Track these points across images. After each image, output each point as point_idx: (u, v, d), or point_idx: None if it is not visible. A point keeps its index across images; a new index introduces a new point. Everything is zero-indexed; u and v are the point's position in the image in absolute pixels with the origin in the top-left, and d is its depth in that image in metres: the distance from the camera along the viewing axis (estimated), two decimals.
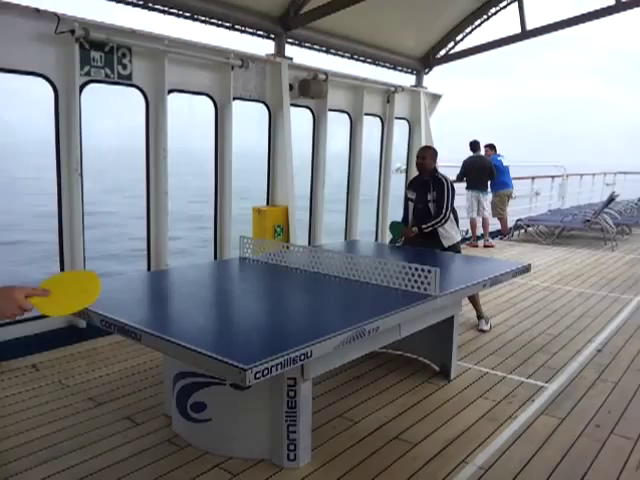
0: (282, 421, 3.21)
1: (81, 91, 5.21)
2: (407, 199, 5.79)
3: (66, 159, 5.18)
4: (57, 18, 4.86)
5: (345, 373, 4.54)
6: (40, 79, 5.02)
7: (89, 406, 3.93)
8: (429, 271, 3.69)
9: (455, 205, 5.58)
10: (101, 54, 5.30)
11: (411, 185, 5.81)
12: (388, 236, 9.30)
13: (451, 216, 5.47)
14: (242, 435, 3.33)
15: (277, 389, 3.21)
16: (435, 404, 4.09)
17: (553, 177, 15.38)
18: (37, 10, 4.75)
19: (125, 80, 5.55)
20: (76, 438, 3.49)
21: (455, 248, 5.56)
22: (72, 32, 4.93)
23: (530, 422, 3.82)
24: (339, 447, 3.47)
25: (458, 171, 10.68)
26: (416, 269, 3.78)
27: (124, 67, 5.51)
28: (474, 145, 10.78)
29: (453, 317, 4.46)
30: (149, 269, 5.97)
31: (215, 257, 6.66)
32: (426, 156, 5.53)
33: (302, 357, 2.68)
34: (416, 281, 3.76)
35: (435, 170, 5.58)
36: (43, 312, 1.78)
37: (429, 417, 3.89)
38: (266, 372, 2.49)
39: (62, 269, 5.20)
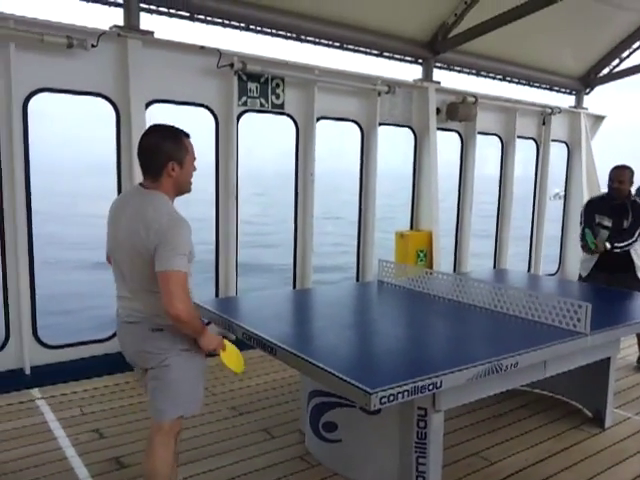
0: (411, 452, 3.11)
1: (238, 120, 5.61)
2: (595, 224, 5.11)
3: (224, 183, 5.59)
4: (219, 53, 5.30)
5: (485, 410, 4.30)
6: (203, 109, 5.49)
7: (231, 415, 4.15)
8: (579, 306, 3.39)
9: None
10: (257, 85, 5.68)
11: (600, 209, 5.14)
12: (544, 270, 8.77)
13: None
14: (371, 460, 3.29)
15: (407, 418, 3.12)
16: (585, 453, 3.71)
17: None
18: (202, 47, 5.23)
19: (278, 109, 5.88)
20: (217, 444, 3.70)
21: None
22: (231, 66, 5.34)
23: None
24: None
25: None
26: (565, 303, 3.48)
27: (277, 97, 5.85)
28: None
29: (609, 359, 4.03)
30: (294, 287, 6.20)
31: (357, 279, 6.73)
32: (624, 179, 4.97)
33: (431, 387, 2.59)
34: (564, 316, 3.47)
35: (629, 193, 5.06)
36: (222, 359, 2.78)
37: (577, 466, 3.54)
38: (392, 398, 2.43)
39: (217, 284, 5.59)
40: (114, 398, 4.36)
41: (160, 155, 2.57)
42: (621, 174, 4.98)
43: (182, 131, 2.67)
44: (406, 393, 2.50)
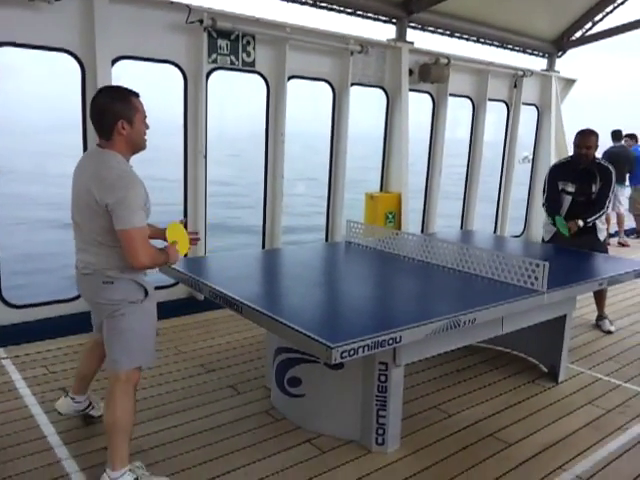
0: (372, 405, 3.24)
1: (208, 77, 5.53)
2: (559, 190, 5.14)
3: (193, 142, 5.54)
4: (188, 9, 5.18)
5: (445, 365, 4.46)
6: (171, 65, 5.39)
7: (199, 372, 4.23)
8: (537, 265, 3.51)
9: None
10: (227, 42, 5.58)
11: (564, 175, 5.14)
12: (510, 231, 8.96)
13: None
14: (333, 414, 3.42)
15: (369, 372, 3.24)
16: (538, 406, 3.90)
17: None
18: (171, 2, 5.11)
19: (249, 67, 5.80)
20: (184, 400, 3.79)
21: (606, 241, 5.29)
22: (201, 22, 5.23)
23: None
24: (430, 437, 3.44)
25: None
26: (523, 262, 3.61)
27: (248, 54, 5.76)
28: (617, 134, 9.95)
29: (565, 316, 4.21)
30: (263, 247, 6.25)
31: (326, 239, 6.80)
32: (591, 145, 4.95)
33: (391, 341, 2.69)
34: (522, 275, 3.60)
35: (595, 157, 5.05)
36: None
37: (529, 418, 3.72)
38: (352, 352, 2.53)
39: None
40: (76, 358, 4.38)
41: (109, 115, 2.68)
42: (588, 140, 4.97)
43: (131, 91, 2.78)
44: (366, 347, 2.60)
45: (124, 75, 5.28)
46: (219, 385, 4.03)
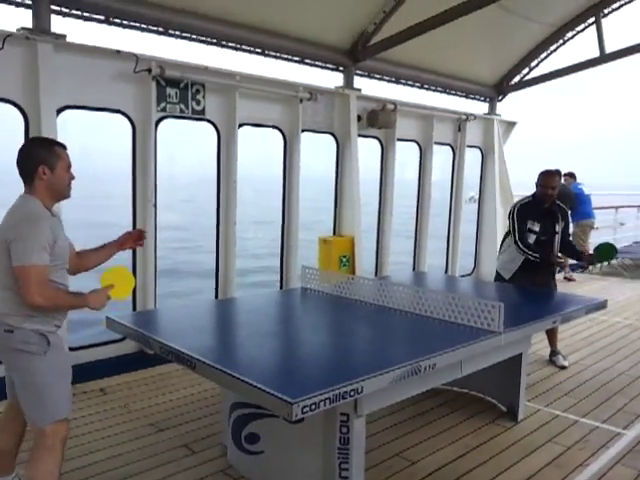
0: (334, 458, 3.14)
1: (157, 126, 5.48)
2: (526, 230, 5.16)
3: (142, 190, 5.44)
4: (136, 58, 5.16)
5: (405, 410, 4.41)
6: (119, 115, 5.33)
7: (149, 432, 4.02)
8: (492, 306, 3.55)
9: None
10: (176, 90, 5.56)
11: (529, 215, 5.18)
12: (460, 268, 9.11)
13: None
14: (295, 470, 3.29)
15: (330, 424, 3.14)
16: (500, 447, 3.89)
17: (639, 207, 14.52)
18: (118, 52, 5.07)
19: (198, 115, 5.79)
20: (134, 464, 3.58)
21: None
22: (149, 71, 5.21)
23: (603, 472, 3.55)
24: None
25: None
26: (479, 304, 3.64)
27: (198, 103, 5.76)
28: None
29: (521, 355, 4.25)
30: (216, 293, 6.12)
31: (281, 286, 6.73)
32: (555, 185, 5.10)
33: (352, 393, 2.63)
34: (479, 316, 3.62)
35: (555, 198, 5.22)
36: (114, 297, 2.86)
37: (492, 460, 3.70)
38: (314, 407, 2.45)
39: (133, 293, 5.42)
40: None
41: (31, 160, 2.81)
42: (553, 180, 5.10)
43: (56, 142, 2.98)
44: (328, 401, 2.52)
45: (71, 124, 5.18)
46: (172, 445, 3.84)
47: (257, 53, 6.45)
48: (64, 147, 2.93)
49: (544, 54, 8.96)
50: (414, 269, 8.44)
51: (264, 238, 17.58)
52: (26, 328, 2.68)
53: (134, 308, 5.41)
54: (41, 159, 2.79)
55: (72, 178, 2.92)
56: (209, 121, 5.91)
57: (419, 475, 3.50)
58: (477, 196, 9.90)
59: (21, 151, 2.85)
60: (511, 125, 9.99)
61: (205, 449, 3.79)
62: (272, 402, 2.49)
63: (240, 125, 6.06)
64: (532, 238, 5.17)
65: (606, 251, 5.20)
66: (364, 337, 3.74)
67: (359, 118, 7.23)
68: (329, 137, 7.17)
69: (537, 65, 9.13)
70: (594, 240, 11.54)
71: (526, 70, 9.26)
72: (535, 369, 5.42)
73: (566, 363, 5.50)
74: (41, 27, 4.68)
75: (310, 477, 3.25)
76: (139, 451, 3.74)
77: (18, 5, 4.73)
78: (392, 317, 3.99)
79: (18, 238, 2.62)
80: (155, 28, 5.52)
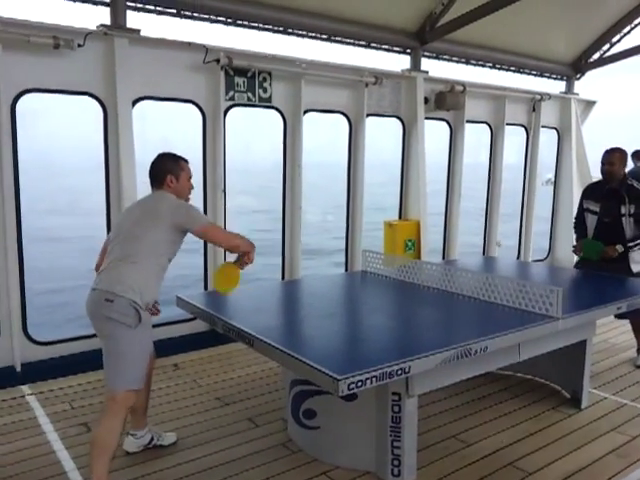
0: (387, 436, 3.23)
1: (225, 114, 5.69)
2: (584, 210, 5.06)
3: (212, 177, 5.68)
4: (205, 49, 5.37)
5: (466, 394, 4.41)
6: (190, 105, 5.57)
7: (216, 405, 4.27)
8: (551, 291, 3.49)
9: None
10: (244, 79, 5.75)
11: (591, 194, 5.05)
12: (535, 252, 8.86)
13: None
14: (349, 445, 3.41)
15: (382, 403, 3.24)
16: (560, 433, 3.83)
17: None
18: (189, 44, 5.31)
19: (266, 103, 5.96)
20: (201, 434, 3.82)
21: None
22: (217, 61, 5.41)
23: None
24: (448, 468, 3.40)
25: None
26: (538, 288, 3.58)
27: (264, 90, 5.92)
28: (638, 154, 9.80)
29: (585, 341, 4.14)
30: (283, 278, 6.31)
31: (346, 269, 6.83)
32: (614, 161, 4.80)
33: (399, 372, 2.69)
34: (537, 301, 3.57)
35: (625, 177, 4.90)
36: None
37: (551, 446, 3.65)
38: (360, 384, 2.54)
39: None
40: (102, 392, 4.44)
41: (161, 170, 3.31)
42: (611, 156, 4.85)
43: (180, 157, 3.41)
44: (374, 379, 2.60)
45: (146, 115, 5.48)
46: (237, 418, 4.05)
47: (322, 39, 6.52)
48: (187, 161, 3.41)
49: (627, 28, 8.43)
50: (484, 254, 8.29)
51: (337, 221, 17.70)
52: (126, 297, 2.94)
53: (205, 287, 5.70)
54: (169, 169, 3.29)
55: (192, 187, 3.42)
56: (275, 108, 6.06)
57: (474, 457, 3.52)
58: (554, 178, 9.54)
59: (153, 164, 3.35)
60: (590, 104, 9.52)
61: (267, 423, 3.97)
62: (321, 378, 2.60)
63: (305, 111, 6.17)
64: (592, 219, 4.95)
65: (591, 247, 4.90)
66: (421, 320, 3.78)
67: (426, 100, 7.16)
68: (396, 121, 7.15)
69: (619, 40, 8.59)
70: None
71: (607, 46, 8.75)
72: (605, 357, 5.24)
73: None
74: (118, 23, 4.98)
75: (364, 453, 3.36)
76: (206, 423, 3.98)
77: (96, 3, 5.05)
78: (453, 301, 3.99)
79: (185, 212, 3.16)
80: (223, 19, 5.72)
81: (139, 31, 5.05)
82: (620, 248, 4.74)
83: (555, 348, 3.86)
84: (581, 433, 3.83)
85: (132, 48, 5.02)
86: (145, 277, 3.06)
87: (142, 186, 3.81)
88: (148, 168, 3.37)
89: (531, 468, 3.39)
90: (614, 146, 5.00)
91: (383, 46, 7.01)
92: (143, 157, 5.28)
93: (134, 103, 5.15)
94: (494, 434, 3.82)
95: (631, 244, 4.74)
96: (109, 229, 5.03)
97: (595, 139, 9.91)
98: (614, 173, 4.84)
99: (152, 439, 3.57)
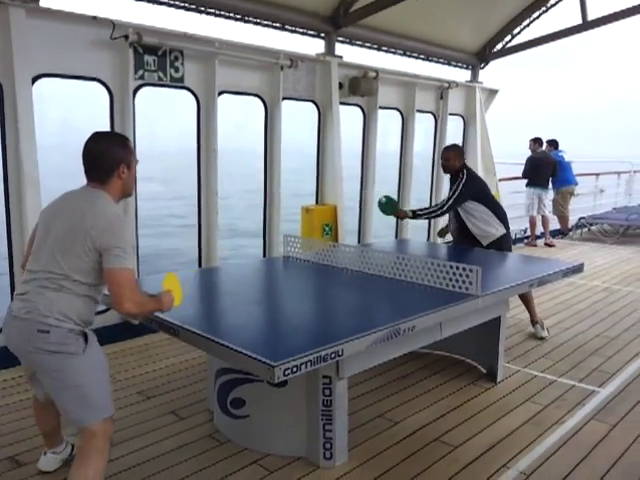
0: (318, 420, 3.22)
1: (135, 94, 5.39)
2: None
3: None
4: (112, 24, 5.04)
5: (388, 373, 4.50)
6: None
7: (138, 400, 4.07)
8: (470, 270, 3.61)
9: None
10: (154, 58, 5.46)
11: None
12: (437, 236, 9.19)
13: (487, 212, 5.19)
14: (279, 432, 3.37)
15: (313, 387, 3.22)
16: (479, 407, 4.00)
17: (619, 173, 14.69)
18: (94, 18, 4.96)
19: (177, 83, 5.70)
20: (124, 430, 3.62)
21: (499, 245, 5.21)
22: (126, 37, 5.10)
23: (578, 428, 3.68)
24: (377, 447, 3.45)
25: (523, 168, 10.37)
26: (457, 268, 3.70)
27: (176, 70, 5.66)
28: (537, 141, 10.44)
29: (500, 318, 4.34)
30: (200, 266, 6.13)
31: (264, 255, 6.76)
32: (449, 157, 5.30)
33: (333, 355, 2.69)
34: (457, 280, 3.69)
35: (461, 168, 5.30)
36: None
37: (472, 420, 3.81)
38: (295, 369, 2.51)
39: None
40: (10, 393, 4.14)
41: (109, 158, 2.67)
42: (444, 154, 5.38)
43: (124, 135, 2.94)
44: (309, 363, 2.58)
45: (42, 94, 5.07)
46: (160, 412, 3.88)
47: (237, 19, 6.33)
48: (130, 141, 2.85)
49: (526, 21, 8.91)
50: (396, 237, 8.49)
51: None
52: (63, 327, 2.52)
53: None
54: (120, 157, 2.68)
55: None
56: (188, 89, 5.83)
57: (401, 434, 3.60)
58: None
59: (95, 148, 2.67)
60: (493, 93, 9.99)
61: (192, 415, 3.84)
62: (255, 366, 2.53)
63: (220, 93, 5.99)
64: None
65: (386, 205, 5.44)
66: (345, 303, 3.79)
67: (341, 85, 7.18)
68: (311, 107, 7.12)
69: (519, 32, 9.09)
70: (575, 206, 11.73)
71: (508, 37, 9.22)
72: (514, 332, 5.55)
73: (544, 334, 5.48)
74: None
75: (295, 439, 3.33)
76: (128, 419, 3.78)
77: None
78: (373, 283, 4.04)
79: (113, 241, 2.48)
80: None
81: (38, 1, 4.65)
82: (410, 213, 5.44)
83: (474, 325, 4.02)
84: (498, 405, 4.03)
85: (30, 20, 4.61)
86: (75, 303, 2.58)
87: (46, 172, 3.47)
88: (82, 152, 2.69)
89: (456, 442, 3.51)
90: (451, 144, 5.64)
91: (298, 29, 6.92)
92: (41, 140, 4.93)
93: (34, 81, 4.75)
94: (419, 411, 3.93)
95: (420, 212, 5.45)
96: (8, 215, 4.65)
97: (499, 128, 10.43)
98: (449, 167, 5.36)
99: (72, 448, 3.22)
